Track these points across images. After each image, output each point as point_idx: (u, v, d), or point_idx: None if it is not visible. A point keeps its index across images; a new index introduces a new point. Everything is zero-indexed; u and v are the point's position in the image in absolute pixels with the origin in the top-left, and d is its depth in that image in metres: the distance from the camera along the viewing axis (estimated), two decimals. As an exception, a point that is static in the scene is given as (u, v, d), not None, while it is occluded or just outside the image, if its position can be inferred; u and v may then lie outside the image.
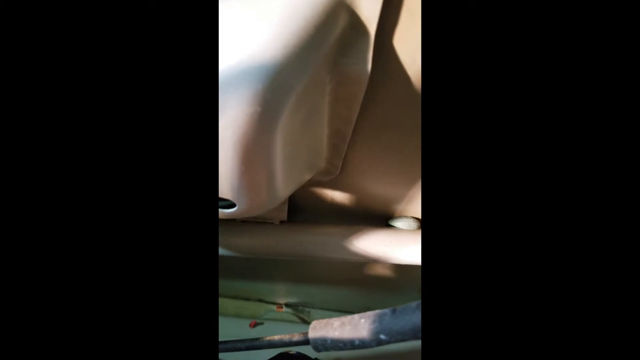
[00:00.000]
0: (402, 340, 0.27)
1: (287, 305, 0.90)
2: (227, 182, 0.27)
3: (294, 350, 0.49)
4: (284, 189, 0.32)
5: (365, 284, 0.78)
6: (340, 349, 0.30)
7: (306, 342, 0.32)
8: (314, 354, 0.41)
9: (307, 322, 0.87)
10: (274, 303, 0.90)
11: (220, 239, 0.47)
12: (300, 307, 0.90)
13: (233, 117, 0.24)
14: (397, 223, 0.52)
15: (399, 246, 0.48)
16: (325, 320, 0.32)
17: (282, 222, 0.48)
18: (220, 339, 0.35)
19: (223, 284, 0.83)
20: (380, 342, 0.28)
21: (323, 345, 0.31)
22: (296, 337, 0.33)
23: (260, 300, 0.90)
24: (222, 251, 0.48)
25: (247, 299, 0.90)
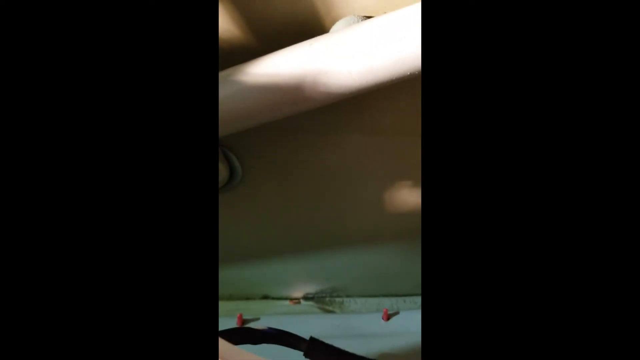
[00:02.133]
0: None
1: (306, 297, 0.64)
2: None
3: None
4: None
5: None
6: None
7: None
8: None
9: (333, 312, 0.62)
10: (286, 298, 0.64)
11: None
12: (327, 298, 0.64)
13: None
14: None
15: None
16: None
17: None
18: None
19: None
20: None
21: None
22: None
23: (265, 298, 0.64)
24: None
25: (248, 299, 0.64)
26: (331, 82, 0.30)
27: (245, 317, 0.63)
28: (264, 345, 0.43)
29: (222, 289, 0.67)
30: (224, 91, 0.33)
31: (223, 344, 0.26)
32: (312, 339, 0.41)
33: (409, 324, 0.56)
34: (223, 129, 0.35)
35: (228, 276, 0.64)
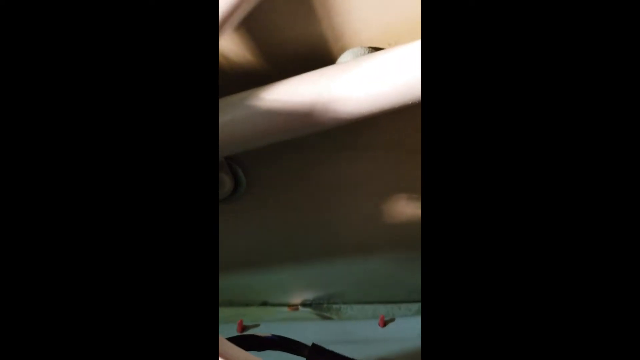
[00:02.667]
0: None
1: (304, 304, 0.66)
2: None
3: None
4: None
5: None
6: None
7: None
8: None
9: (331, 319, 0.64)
10: (284, 305, 0.66)
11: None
12: (325, 305, 0.66)
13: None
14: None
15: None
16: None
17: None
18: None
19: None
20: None
21: None
22: None
23: (265, 304, 0.66)
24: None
25: (248, 305, 0.66)
26: (340, 109, 0.32)
27: (245, 323, 0.64)
28: (266, 351, 0.45)
29: (222, 295, 0.68)
30: (238, 113, 0.35)
31: (224, 344, 0.28)
32: (314, 345, 0.43)
33: (404, 330, 0.59)
34: (237, 148, 0.37)
35: (228, 283, 0.66)
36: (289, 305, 0.67)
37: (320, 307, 0.67)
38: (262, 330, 0.66)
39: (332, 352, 0.42)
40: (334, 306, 0.67)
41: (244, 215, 0.57)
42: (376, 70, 0.31)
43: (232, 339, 0.42)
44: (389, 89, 0.31)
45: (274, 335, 0.44)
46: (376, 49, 0.37)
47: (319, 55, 0.37)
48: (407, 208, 0.59)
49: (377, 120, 0.50)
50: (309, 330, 0.59)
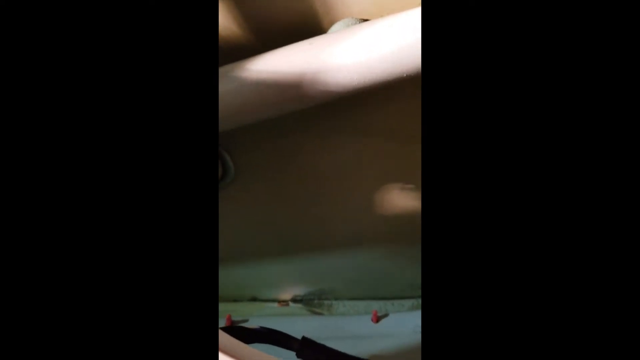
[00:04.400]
0: None
1: (295, 300, 0.64)
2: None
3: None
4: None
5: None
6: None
7: None
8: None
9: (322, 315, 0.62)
10: (274, 300, 0.63)
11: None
12: (316, 300, 0.64)
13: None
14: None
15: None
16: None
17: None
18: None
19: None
20: None
21: None
22: None
23: (254, 300, 0.64)
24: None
25: (236, 300, 0.64)
26: (330, 80, 0.30)
27: (234, 318, 0.62)
28: (255, 345, 0.43)
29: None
30: (223, 86, 0.33)
31: (223, 337, 0.26)
32: (304, 338, 0.41)
33: (398, 326, 0.57)
34: (221, 124, 0.35)
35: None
36: (278, 301, 0.65)
37: (311, 303, 0.64)
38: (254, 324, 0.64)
39: (322, 346, 0.40)
40: (326, 302, 0.65)
41: (231, 205, 0.55)
42: (369, 39, 0.30)
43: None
44: (382, 58, 0.29)
45: (262, 328, 0.42)
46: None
47: (308, 28, 0.35)
48: (401, 199, 0.57)
49: (369, 105, 0.49)
50: (299, 326, 0.57)
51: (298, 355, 0.40)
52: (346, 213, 0.60)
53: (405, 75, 0.31)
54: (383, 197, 0.57)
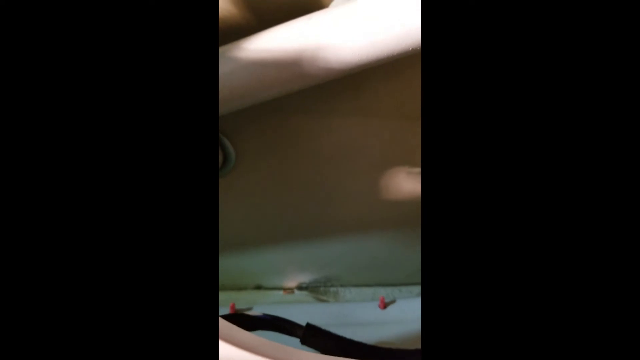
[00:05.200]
0: None
1: (300, 287, 0.63)
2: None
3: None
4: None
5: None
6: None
7: None
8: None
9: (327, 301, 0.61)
10: (279, 288, 0.63)
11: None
12: (322, 288, 0.64)
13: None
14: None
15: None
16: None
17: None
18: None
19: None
20: None
21: None
22: None
23: (258, 288, 0.63)
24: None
25: (241, 289, 0.63)
26: (331, 57, 0.29)
27: (238, 306, 0.62)
28: (259, 332, 0.43)
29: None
30: (220, 68, 0.32)
31: (224, 324, 0.25)
32: (308, 325, 0.41)
33: (406, 312, 0.56)
34: (220, 108, 0.34)
35: (220, 266, 0.63)
36: (284, 289, 0.64)
37: (317, 290, 0.64)
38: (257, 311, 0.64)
39: (327, 332, 0.40)
40: (332, 289, 0.64)
41: (234, 192, 0.54)
42: (372, 13, 0.28)
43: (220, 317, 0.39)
44: (385, 34, 0.28)
45: (265, 315, 0.42)
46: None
47: (308, 3, 0.34)
48: (407, 183, 0.56)
49: (369, 84, 0.48)
50: (305, 313, 0.56)
51: (302, 342, 0.39)
52: (351, 198, 0.59)
53: (410, 49, 0.30)
54: (388, 181, 0.56)
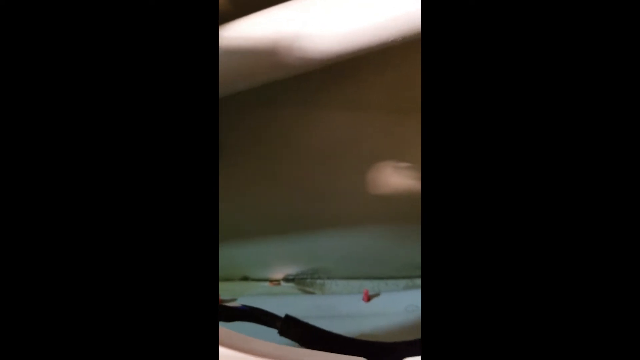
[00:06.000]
0: None
1: (287, 279, 0.63)
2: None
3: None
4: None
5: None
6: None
7: None
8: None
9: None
10: (265, 280, 0.63)
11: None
12: (308, 280, 0.64)
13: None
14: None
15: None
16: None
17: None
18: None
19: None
20: None
21: None
22: None
23: (245, 279, 0.63)
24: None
25: (227, 280, 0.63)
26: (308, 47, 0.28)
27: (222, 297, 0.62)
28: (238, 323, 0.43)
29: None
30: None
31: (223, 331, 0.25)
32: (287, 316, 0.41)
33: (389, 305, 0.56)
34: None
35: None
36: (270, 280, 0.64)
37: (303, 282, 0.64)
38: (237, 302, 0.64)
39: (305, 324, 0.40)
40: (318, 281, 0.64)
41: (221, 183, 0.54)
42: (352, 2, 0.28)
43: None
44: (366, 23, 0.27)
45: (244, 306, 0.41)
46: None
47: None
48: (396, 177, 0.56)
49: (360, 76, 0.47)
50: (289, 305, 0.56)
51: (280, 333, 0.39)
52: (340, 191, 0.58)
53: (391, 40, 0.30)
54: (377, 175, 0.56)
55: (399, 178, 0.57)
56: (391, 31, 0.29)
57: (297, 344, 0.40)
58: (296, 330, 0.39)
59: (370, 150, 0.50)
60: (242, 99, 0.38)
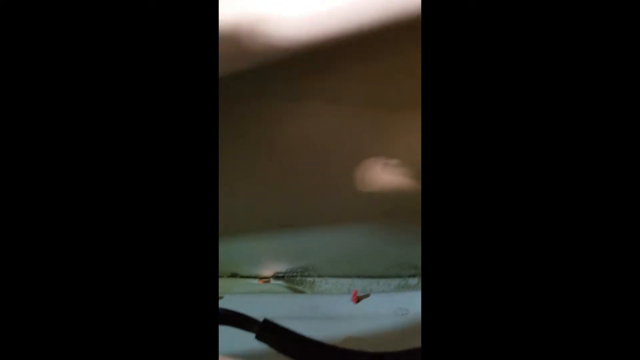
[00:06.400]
0: None
1: (276, 276, 0.62)
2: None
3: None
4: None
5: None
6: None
7: None
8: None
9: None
10: (255, 277, 0.61)
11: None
12: (298, 278, 0.62)
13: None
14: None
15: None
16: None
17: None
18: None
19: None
20: None
21: None
22: None
23: (234, 276, 0.62)
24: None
25: (215, 276, 0.62)
26: (272, 32, 0.26)
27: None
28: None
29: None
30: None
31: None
32: (265, 320, 0.39)
33: (378, 307, 0.54)
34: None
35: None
36: (259, 278, 0.63)
37: (293, 280, 0.62)
38: (227, 303, 0.62)
39: (284, 329, 0.38)
40: (308, 279, 0.62)
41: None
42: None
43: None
44: (333, 5, 0.25)
45: (221, 310, 0.40)
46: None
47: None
48: (385, 175, 0.54)
49: (343, 68, 0.45)
50: (275, 305, 0.55)
51: (257, 337, 0.37)
52: (328, 188, 0.57)
53: (365, 29, 0.27)
54: (365, 172, 0.54)
55: (390, 175, 0.55)
56: (367, 16, 0.27)
57: (274, 350, 0.38)
58: (274, 336, 0.38)
59: (356, 145, 0.48)
60: (224, 92, 0.36)
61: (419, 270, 0.65)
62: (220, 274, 0.66)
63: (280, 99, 0.42)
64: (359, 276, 0.63)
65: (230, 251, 0.64)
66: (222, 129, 0.47)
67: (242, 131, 0.46)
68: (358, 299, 0.55)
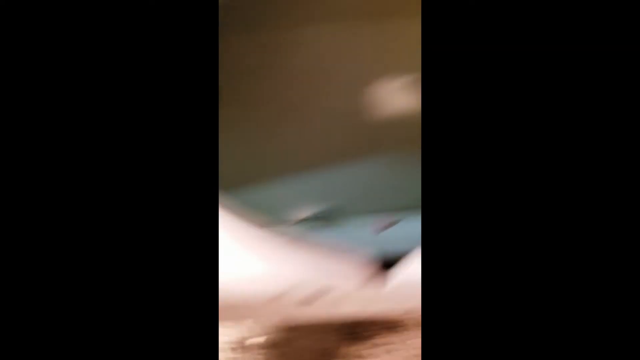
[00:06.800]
0: None
1: (304, 219, 0.62)
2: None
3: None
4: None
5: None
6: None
7: None
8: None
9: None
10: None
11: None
12: (321, 219, 0.63)
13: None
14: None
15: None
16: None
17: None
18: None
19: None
20: None
21: None
22: None
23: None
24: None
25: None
26: None
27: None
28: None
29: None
30: None
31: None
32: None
33: (405, 233, 0.54)
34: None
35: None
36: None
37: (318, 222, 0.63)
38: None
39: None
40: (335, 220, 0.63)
41: (221, 128, 0.53)
42: None
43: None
44: None
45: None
46: None
47: None
48: (402, 94, 0.51)
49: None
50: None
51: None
52: (335, 120, 0.55)
53: None
54: (373, 96, 0.51)
55: (406, 95, 0.52)
56: None
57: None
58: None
59: (360, 67, 0.46)
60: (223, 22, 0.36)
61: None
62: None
63: (278, 28, 0.42)
64: (382, 211, 0.63)
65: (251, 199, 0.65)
66: (230, 67, 0.47)
67: (250, 66, 0.45)
68: (384, 228, 0.55)
